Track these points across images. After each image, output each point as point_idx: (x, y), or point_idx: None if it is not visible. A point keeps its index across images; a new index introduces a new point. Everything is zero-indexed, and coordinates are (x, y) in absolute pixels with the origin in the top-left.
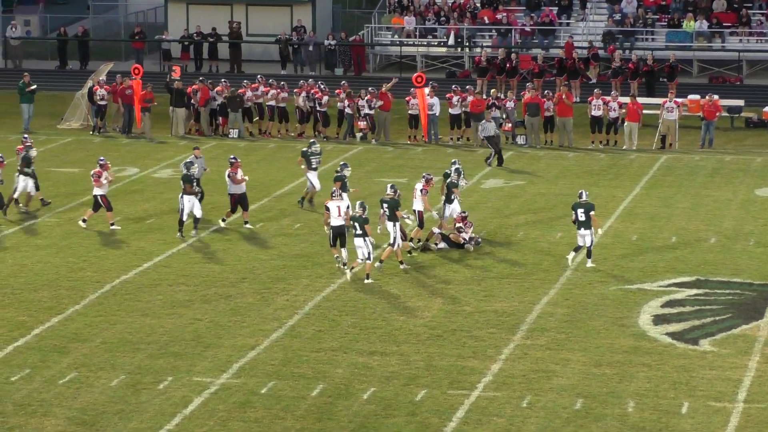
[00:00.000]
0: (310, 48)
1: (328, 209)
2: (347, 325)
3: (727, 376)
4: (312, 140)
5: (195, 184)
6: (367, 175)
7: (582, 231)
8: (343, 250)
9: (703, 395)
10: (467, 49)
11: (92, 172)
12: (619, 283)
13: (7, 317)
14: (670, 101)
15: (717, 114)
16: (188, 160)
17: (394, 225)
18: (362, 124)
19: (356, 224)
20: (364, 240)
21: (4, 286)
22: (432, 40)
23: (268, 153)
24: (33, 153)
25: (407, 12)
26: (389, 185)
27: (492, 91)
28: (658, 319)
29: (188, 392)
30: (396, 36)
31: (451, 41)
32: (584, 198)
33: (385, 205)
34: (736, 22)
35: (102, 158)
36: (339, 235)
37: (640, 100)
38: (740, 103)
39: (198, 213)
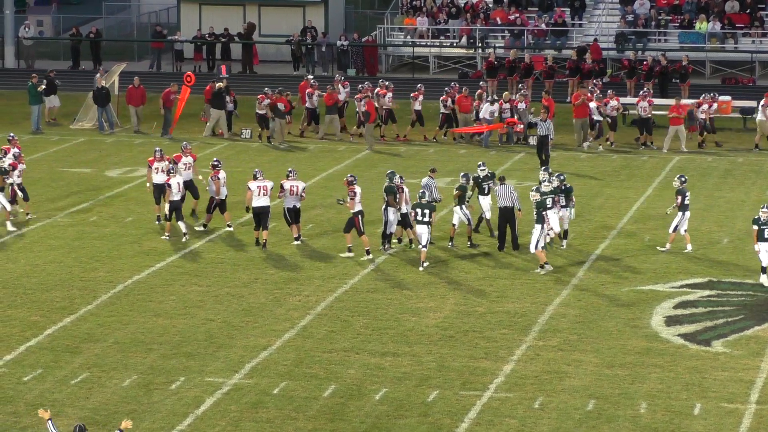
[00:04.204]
0: (323, 49)
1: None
2: (359, 325)
3: (740, 377)
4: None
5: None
6: (380, 176)
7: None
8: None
9: (716, 396)
10: (480, 50)
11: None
12: (631, 284)
13: (19, 317)
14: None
15: None
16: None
17: (542, 227)
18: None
19: (426, 210)
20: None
21: (17, 286)
22: (444, 41)
23: (279, 154)
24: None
25: (419, 13)
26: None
27: (504, 93)
28: (671, 321)
29: (200, 392)
30: (408, 37)
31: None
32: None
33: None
34: (749, 23)
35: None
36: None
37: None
38: (753, 104)
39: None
